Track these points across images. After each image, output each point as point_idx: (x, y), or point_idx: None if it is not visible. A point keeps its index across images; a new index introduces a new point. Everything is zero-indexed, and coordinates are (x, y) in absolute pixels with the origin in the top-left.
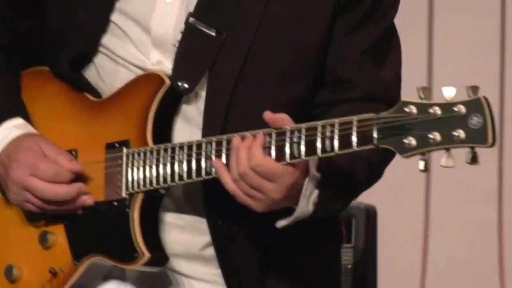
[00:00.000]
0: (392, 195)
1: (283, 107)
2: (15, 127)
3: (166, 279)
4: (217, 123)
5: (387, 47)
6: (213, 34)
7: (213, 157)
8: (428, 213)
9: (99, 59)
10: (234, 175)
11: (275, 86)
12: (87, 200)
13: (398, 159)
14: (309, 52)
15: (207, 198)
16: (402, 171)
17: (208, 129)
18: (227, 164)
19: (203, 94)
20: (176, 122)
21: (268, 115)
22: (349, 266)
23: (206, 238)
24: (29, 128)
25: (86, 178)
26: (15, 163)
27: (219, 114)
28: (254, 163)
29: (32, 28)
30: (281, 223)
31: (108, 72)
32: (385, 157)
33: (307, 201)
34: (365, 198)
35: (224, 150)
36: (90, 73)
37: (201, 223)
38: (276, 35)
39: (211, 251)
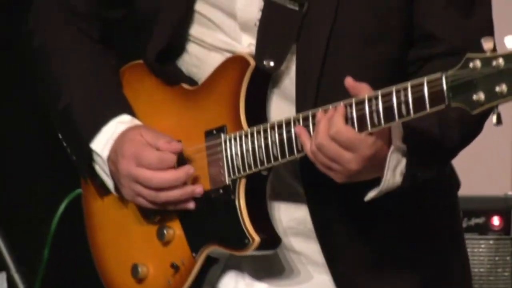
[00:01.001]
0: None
1: (373, 69)
2: (120, 123)
3: (280, 261)
4: (310, 95)
5: None
6: (294, 7)
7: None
8: None
9: (190, 48)
10: (312, 146)
11: (363, 50)
12: (197, 188)
13: None
14: (392, 13)
15: (306, 174)
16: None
17: (301, 102)
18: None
19: (293, 68)
20: (272, 99)
21: (348, 81)
22: (508, 258)
23: (306, 214)
24: (135, 122)
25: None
26: (121, 157)
27: (311, 86)
28: (334, 131)
29: (123, 20)
30: (369, 196)
31: (201, 58)
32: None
33: (393, 173)
34: None
35: (311, 126)
36: (183, 62)
37: (301, 198)
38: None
39: (310, 226)
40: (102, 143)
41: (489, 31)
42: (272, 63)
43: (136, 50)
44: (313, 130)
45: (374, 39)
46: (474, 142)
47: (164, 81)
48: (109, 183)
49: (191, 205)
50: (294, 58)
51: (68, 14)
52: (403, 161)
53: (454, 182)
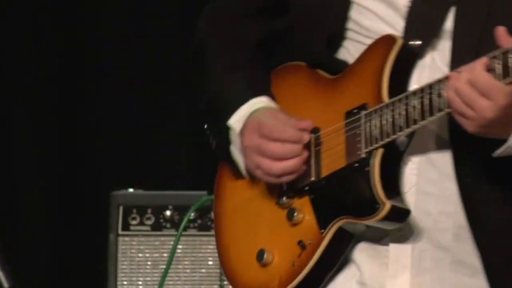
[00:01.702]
0: None
1: None
2: (257, 102)
3: (426, 258)
4: None
5: None
6: None
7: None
8: None
9: (348, 40)
10: (449, 90)
11: None
12: (305, 135)
13: None
14: None
15: (459, 160)
16: None
17: None
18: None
19: (446, 49)
20: (423, 80)
21: (500, 30)
22: None
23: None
24: (272, 104)
25: (327, 149)
26: (246, 128)
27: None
28: (473, 76)
29: (281, 28)
30: (497, 152)
31: (358, 49)
32: None
33: None
34: None
35: None
36: (346, 49)
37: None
38: None
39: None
40: (236, 118)
41: None
42: (419, 42)
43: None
44: None
45: None
46: None
47: (308, 73)
48: (240, 161)
49: (305, 154)
50: (446, 45)
51: (234, 17)
52: None
53: None
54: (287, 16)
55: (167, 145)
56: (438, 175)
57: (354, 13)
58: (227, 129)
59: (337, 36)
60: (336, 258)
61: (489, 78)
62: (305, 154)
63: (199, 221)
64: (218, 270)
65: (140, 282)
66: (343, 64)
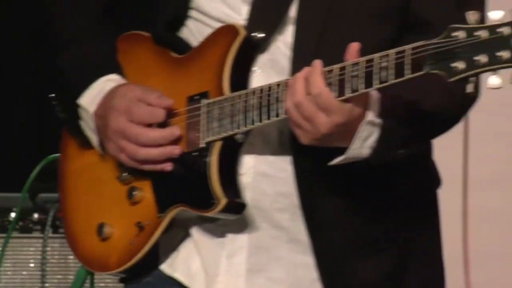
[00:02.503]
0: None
1: (371, 48)
2: (109, 80)
3: (263, 236)
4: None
5: None
6: None
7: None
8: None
9: (192, 22)
10: (289, 102)
11: (361, 31)
12: (175, 149)
13: None
14: None
15: (296, 145)
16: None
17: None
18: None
19: (289, 41)
20: (266, 72)
21: (353, 46)
22: None
23: (293, 189)
24: (123, 81)
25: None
26: (111, 111)
27: (306, 60)
28: (317, 92)
29: None
30: (333, 161)
31: (201, 32)
32: (460, 101)
33: (362, 143)
34: None
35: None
36: (185, 36)
37: (288, 172)
38: None
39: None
40: (89, 99)
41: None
42: (262, 34)
43: (141, 26)
44: None
45: (374, 18)
46: None
47: (156, 49)
48: (94, 138)
49: (168, 167)
50: (291, 31)
51: None
52: (375, 135)
53: (436, 178)
54: None
55: None
56: (274, 156)
57: None
58: (76, 106)
59: (179, 17)
60: (173, 239)
61: (330, 95)
62: (172, 148)
63: (20, 223)
64: (39, 273)
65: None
66: (186, 45)
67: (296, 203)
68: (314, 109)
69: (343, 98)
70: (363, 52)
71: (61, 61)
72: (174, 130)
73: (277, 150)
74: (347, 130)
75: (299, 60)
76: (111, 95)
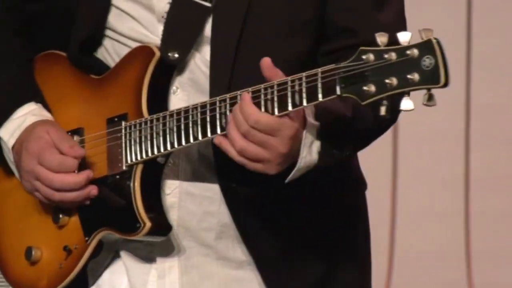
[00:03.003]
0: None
1: (286, 62)
2: (30, 113)
3: (192, 256)
4: (223, 87)
5: None
6: (202, 1)
7: (215, 136)
8: (395, 202)
9: (108, 41)
10: (237, 144)
11: (276, 45)
12: (92, 190)
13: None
14: (305, 7)
15: (220, 164)
16: (369, 160)
17: (215, 94)
18: (228, 137)
19: (207, 60)
20: (187, 92)
21: (265, 61)
22: None
23: (220, 209)
24: (43, 114)
25: (90, 156)
26: (25, 153)
27: (224, 78)
28: (253, 120)
29: (43, 12)
30: (289, 177)
31: (118, 52)
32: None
33: (309, 150)
34: None
35: (208, 113)
36: (101, 55)
37: (212, 191)
38: None
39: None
40: (9, 132)
41: (401, 24)
42: (176, 55)
43: (57, 44)
44: (210, 118)
45: (286, 32)
46: None
47: (75, 69)
48: (14, 169)
49: (86, 202)
50: (207, 50)
51: None
52: (318, 140)
53: (361, 181)
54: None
55: None
56: (200, 175)
57: (112, 16)
58: None
59: (94, 38)
60: (101, 261)
61: (267, 116)
62: (89, 189)
63: None
64: None
65: None
66: (103, 65)
67: (224, 221)
68: (262, 135)
69: (276, 116)
70: (278, 65)
71: None
72: (88, 174)
73: (201, 169)
74: (298, 141)
75: (218, 77)
76: (28, 133)
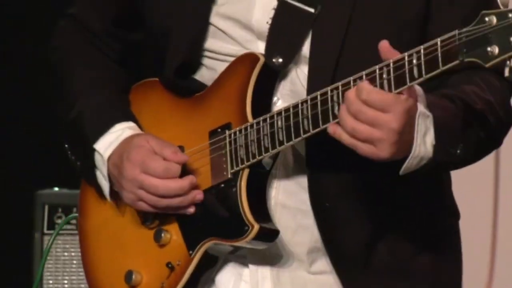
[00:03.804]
0: (461, 193)
1: None
2: (127, 128)
3: (283, 250)
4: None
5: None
6: (306, 8)
7: (326, 126)
8: (496, 211)
9: (207, 62)
10: (347, 128)
11: (376, 59)
12: (198, 195)
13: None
14: (406, 27)
15: (313, 180)
16: (471, 167)
17: None
18: (340, 121)
19: (306, 68)
20: (285, 99)
21: (384, 44)
22: None
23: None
24: (139, 130)
25: (193, 169)
26: (127, 162)
27: (323, 87)
28: (365, 95)
29: (141, 41)
30: (404, 166)
31: (216, 68)
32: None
33: (423, 140)
34: None
35: (319, 104)
36: (202, 77)
37: (306, 205)
38: (373, 11)
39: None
40: (105, 145)
41: None
42: (280, 60)
43: (153, 73)
44: (322, 111)
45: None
46: None
47: (171, 93)
48: (105, 186)
49: (191, 209)
50: (308, 57)
51: (90, 34)
52: (431, 130)
53: (449, 208)
54: (142, 30)
55: None
56: (295, 188)
57: (209, 36)
58: (92, 152)
59: (190, 61)
60: (204, 279)
61: (380, 91)
62: (194, 194)
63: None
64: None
65: (65, 281)
66: (200, 84)
67: (317, 237)
68: (374, 112)
69: (396, 91)
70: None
71: (75, 110)
72: (192, 180)
73: (297, 181)
74: (412, 120)
75: (315, 87)
76: (127, 144)
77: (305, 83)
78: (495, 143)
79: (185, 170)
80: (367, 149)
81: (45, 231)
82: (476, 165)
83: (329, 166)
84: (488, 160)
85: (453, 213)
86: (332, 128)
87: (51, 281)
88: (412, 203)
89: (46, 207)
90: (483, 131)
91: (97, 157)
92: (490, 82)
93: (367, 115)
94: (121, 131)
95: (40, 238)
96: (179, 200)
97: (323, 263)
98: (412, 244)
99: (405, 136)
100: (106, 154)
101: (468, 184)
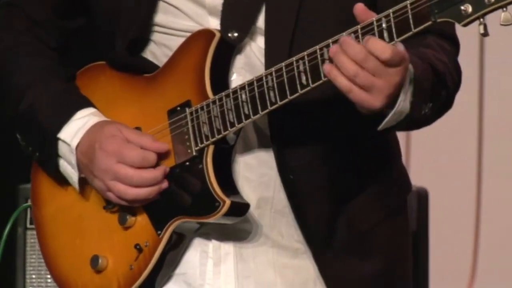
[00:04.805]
0: (444, 177)
1: None
2: (91, 114)
3: (249, 228)
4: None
5: None
6: None
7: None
8: (480, 195)
9: (157, 37)
10: (349, 71)
11: (332, 29)
12: (163, 185)
13: (449, 141)
14: None
15: (279, 153)
16: (454, 153)
17: None
18: (339, 65)
19: (262, 41)
20: (241, 74)
21: (359, 7)
22: None
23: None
24: (102, 116)
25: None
26: (100, 151)
27: (280, 60)
28: (380, 51)
29: (83, 28)
30: (383, 123)
31: (169, 45)
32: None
33: (405, 96)
34: (417, 180)
35: (285, 75)
36: (150, 53)
37: (267, 177)
38: None
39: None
40: (71, 134)
41: None
42: (236, 34)
43: (94, 60)
44: (288, 80)
45: (342, 19)
46: None
47: (122, 73)
48: (73, 174)
49: (155, 198)
50: (263, 31)
51: (28, 22)
52: (410, 87)
53: (407, 183)
54: (85, 15)
55: None
56: (256, 161)
57: (160, 11)
58: (55, 141)
59: (141, 38)
60: (169, 258)
61: (380, 40)
62: (165, 184)
63: None
64: None
65: (48, 276)
66: (150, 64)
67: (277, 208)
68: (380, 64)
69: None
70: None
71: (26, 101)
72: (165, 169)
73: (258, 154)
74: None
75: (272, 60)
76: (97, 133)
77: (260, 56)
78: (450, 104)
79: None
80: (363, 95)
81: (28, 226)
82: (459, 157)
83: (292, 140)
84: (470, 153)
85: (406, 186)
86: (328, 68)
87: (34, 276)
88: (368, 177)
89: (29, 202)
90: (444, 91)
91: (61, 146)
92: (442, 45)
93: (374, 63)
94: (87, 118)
95: (23, 233)
96: (148, 191)
97: (289, 237)
98: (369, 217)
99: (397, 91)
100: (74, 143)
101: (451, 177)
